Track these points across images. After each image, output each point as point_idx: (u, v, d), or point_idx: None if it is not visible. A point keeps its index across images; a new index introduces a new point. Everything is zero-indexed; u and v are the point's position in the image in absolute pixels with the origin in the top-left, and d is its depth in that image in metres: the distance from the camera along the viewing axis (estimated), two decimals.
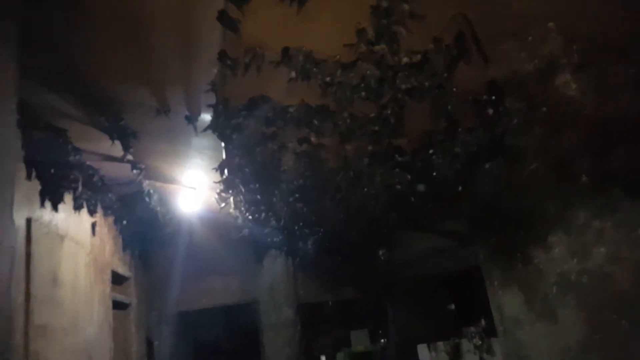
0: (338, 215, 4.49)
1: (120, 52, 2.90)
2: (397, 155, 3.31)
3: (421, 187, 3.43)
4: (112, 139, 3.80)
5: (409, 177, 3.41)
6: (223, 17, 2.40)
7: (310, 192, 4.10)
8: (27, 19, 2.45)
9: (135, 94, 3.37)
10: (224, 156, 4.00)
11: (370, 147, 3.36)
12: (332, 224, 4.75)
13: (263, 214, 4.98)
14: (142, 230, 5.90)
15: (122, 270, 5.69)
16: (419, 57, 2.42)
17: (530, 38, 1.96)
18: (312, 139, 3.43)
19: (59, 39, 2.72)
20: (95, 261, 4.78)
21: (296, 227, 5.11)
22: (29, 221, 3.45)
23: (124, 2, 2.48)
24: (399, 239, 5.10)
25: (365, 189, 3.83)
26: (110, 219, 5.33)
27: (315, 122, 3.17)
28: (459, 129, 2.81)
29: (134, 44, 2.82)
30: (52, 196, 3.84)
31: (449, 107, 2.71)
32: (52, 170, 3.84)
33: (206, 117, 3.50)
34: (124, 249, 5.81)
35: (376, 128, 3.07)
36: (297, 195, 4.22)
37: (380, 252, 5.24)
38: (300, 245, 5.70)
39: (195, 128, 3.58)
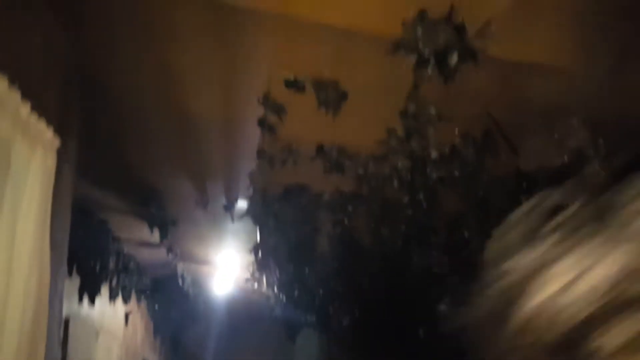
0: (375, 293, 4.47)
1: (165, 145, 3.20)
2: (432, 236, 3.36)
3: (458, 267, 3.42)
4: (151, 228, 4.06)
5: (446, 258, 3.42)
6: (262, 123, 2.68)
7: (345, 275, 4.14)
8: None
9: (177, 186, 3.67)
10: (258, 239, 4.16)
11: (404, 229, 3.44)
12: (369, 302, 4.70)
13: (296, 293, 5.01)
14: (173, 314, 6.00)
15: (151, 357, 5.72)
16: (447, 151, 2.59)
17: (555, 135, 2.11)
18: (346, 222, 3.56)
19: (109, 132, 2.99)
20: (127, 351, 4.87)
21: (330, 306, 5.08)
22: (67, 320, 3.58)
23: (173, 98, 2.71)
24: (441, 314, 4.94)
25: (402, 270, 3.84)
26: (143, 304, 5.49)
27: (349, 207, 3.30)
28: (490, 214, 2.88)
29: (180, 138, 3.12)
30: (90, 290, 4.02)
31: (480, 192, 2.81)
32: (92, 263, 4.07)
33: (243, 204, 3.72)
34: (155, 334, 5.89)
35: (409, 212, 3.16)
36: (331, 275, 4.27)
37: (421, 330, 5.08)
38: (335, 323, 5.61)
39: (232, 217, 3.79)
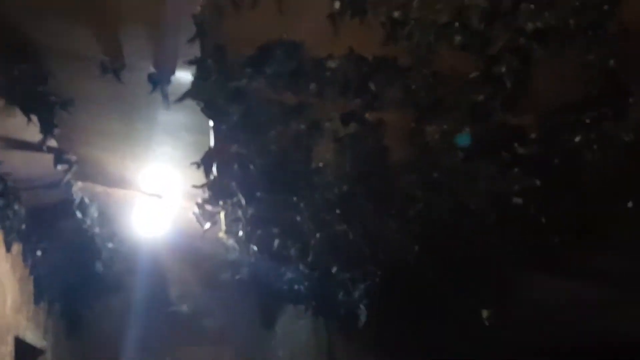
0: (409, 245, 4.64)
1: None
2: (515, 144, 3.41)
3: (558, 201, 3.52)
4: (26, 112, 4.11)
5: (537, 182, 3.48)
6: None
7: (361, 206, 4.26)
8: None
9: (67, 38, 3.65)
10: (212, 143, 4.23)
11: (468, 130, 3.50)
12: (399, 261, 4.90)
13: (276, 242, 5.20)
14: (69, 269, 6.25)
15: (32, 336, 6.06)
16: None
17: None
18: (367, 114, 3.60)
19: None
20: None
21: (335, 267, 5.29)
22: None
23: None
24: (514, 284, 5.16)
25: (459, 202, 3.95)
26: (16, 248, 5.69)
27: (373, 85, 3.32)
28: (629, 100, 2.89)
29: None
30: None
31: (611, 62, 2.80)
32: None
33: (184, 77, 3.73)
34: (37, 300, 6.18)
35: (480, 97, 3.18)
36: (338, 210, 4.40)
37: (483, 311, 5.31)
38: (341, 297, 5.87)
39: (165, 96, 3.81)
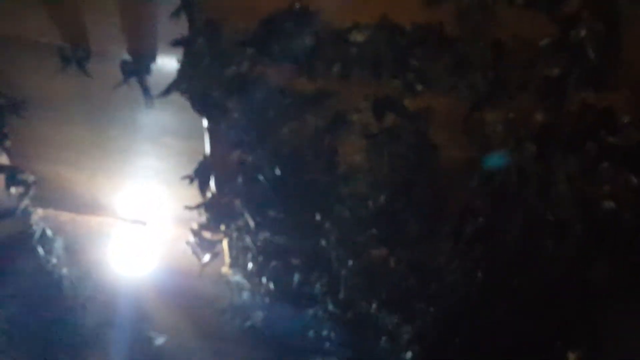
0: (469, 274, 4.58)
1: None
2: (603, 132, 3.37)
3: None
4: None
5: (634, 179, 3.45)
6: None
7: (404, 223, 4.22)
8: None
9: (16, 22, 3.67)
10: (207, 149, 4.22)
11: (540, 116, 3.46)
12: (457, 295, 4.85)
13: (297, 276, 5.17)
14: (31, 322, 6.24)
15: None
16: None
17: None
18: (407, 101, 3.57)
19: None
20: None
21: (373, 306, 5.25)
22: None
23: None
24: (609, 320, 5.09)
25: (533, 213, 3.90)
26: None
27: (414, 61, 3.29)
28: None
29: None
30: None
31: None
32: None
33: (169, 64, 3.73)
34: None
35: (554, 72, 3.16)
36: (374, 230, 4.36)
37: (570, 355, 5.24)
38: (382, 345, 5.83)
39: (145, 90, 3.82)
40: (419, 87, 3.43)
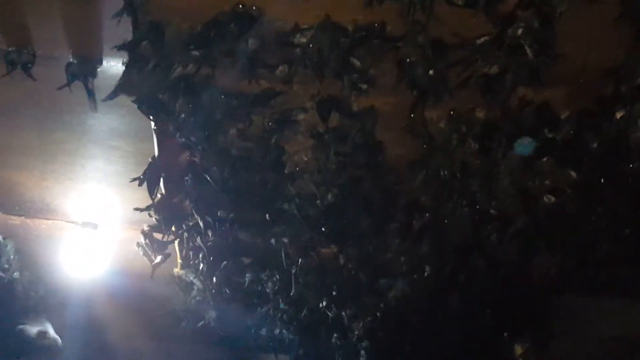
0: (417, 268, 4.60)
1: None
2: (542, 128, 3.44)
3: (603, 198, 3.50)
4: None
5: (574, 174, 3.50)
6: None
7: (352, 221, 4.22)
8: None
9: None
10: (155, 150, 4.18)
11: (481, 113, 3.49)
12: (405, 290, 4.87)
13: (248, 275, 5.13)
14: None
15: None
16: None
17: None
18: (351, 100, 3.57)
19: None
20: None
21: (324, 302, 5.24)
22: None
23: None
24: (554, 313, 5.13)
25: (477, 207, 3.93)
26: None
27: (357, 61, 3.29)
28: None
29: None
30: None
31: None
32: None
33: (114, 67, 3.68)
34: None
35: (493, 69, 3.18)
36: (323, 228, 4.35)
37: (516, 347, 5.28)
38: (334, 341, 5.82)
39: (90, 93, 3.76)
40: (363, 87, 3.41)
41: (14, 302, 6.22)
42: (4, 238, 5.67)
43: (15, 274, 5.91)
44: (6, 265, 5.80)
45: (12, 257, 5.81)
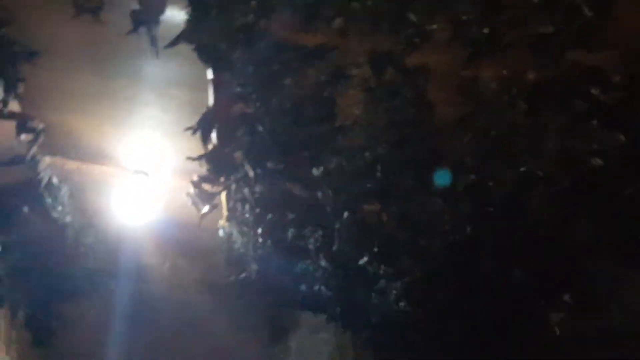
0: (459, 228, 4.60)
1: None
2: (593, 90, 3.41)
3: None
4: None
5: (622, 137, 3.48)
6: None
7: (398, 177, 4.27)
8: None
9: None
10: (210, 101, 4.23)
11: (532, 74, 3.49)
12: (446, 250, 4.86)
13: (291, 231, 5.18)
14: (34, 268, 6.25)
15: None
16: None
17: None
18: (404, 56, 3.60)
19: None
20: None
21: (364, 259, 5.26)
22: None
23: None
24: (596, 281, 5.05)
25: (523, 168, 3.95)
26: None
27: (413, 16, 3.31)
28: None
29: None
30: None
31: None
32: None
33: (176, 16, 3.74)
34: None
35: (547, 29, 3.18)
36: (368, 184, 4.40)
37: (553, 315, 5.23)
38: (372, 300, 5.83)
39: (153, 39, 3.83)
40: (418, 43, 3.44)
41: (64, 246, 6.31)
42: (59, 182, 5.75)
43: (68, 217, 6.00)
44: (60, 209, 5.89)
45: (66, 201, 5.90)
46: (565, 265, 4.75)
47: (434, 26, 3.36)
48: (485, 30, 3.29)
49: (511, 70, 3.53)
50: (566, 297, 5.04)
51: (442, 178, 4.12)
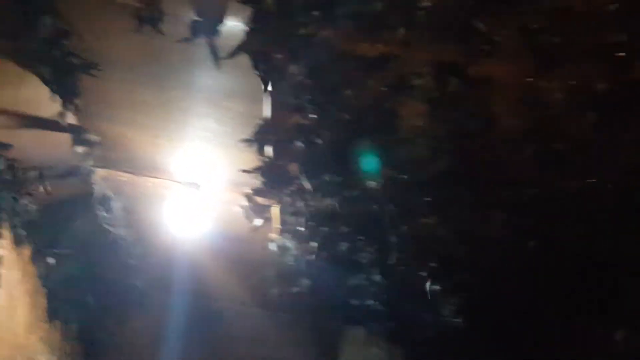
0: (520, 243, 4.53)
1: None
2: None
3: None
4: (46, 82, 4.17)
5: None
6: None
7: (458, 190, 4.21)
8: None
9: None
10: (266, 113, 4.22)
11: (602, 83, 3.43)
12: (506, 266, 4.80)
13: (345, 244, 5.15)
14: (87, 280, 6.29)
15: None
16: None
17: None
18: (469, 67, 3.53)
19: None
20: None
21: (420, 274, 5.20)
22: None
23: None
24: None
25: (590, 182, 3.87)
26: (28, 251, 5.77)
27: (481, 25, 3.26)
28: None
29: None
30: None
31: None
32: None
33: (233, 27, 3.73)
34: (52, 318, 6.24)
35: (620, 38, 3.12)
36: (427, 197, 4.35)
37: (618, 332, 5.14)
38: (427, 316, 5.78)
39: (213, 50, 3.82)
40: (484, 53, 3.37)
41: (116, 259, 6.36)
42: (112, 194, 5.79)
43: (120, 230, 6.03)
44: (113, 222, 5.93)
45: (118, 213, 5.94)
46: (635, 282, 4.66)
47: (501, 36, 3.27)
48: (556, 39, 3.21)
49: (580, 80, 3.44)
50: (632, 313, 4.95)
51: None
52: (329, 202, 4.69)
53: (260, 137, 4.38)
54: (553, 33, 3.20)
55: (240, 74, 4.06)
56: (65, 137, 4.89)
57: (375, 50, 3.58)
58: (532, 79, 3.48)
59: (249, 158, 4.62)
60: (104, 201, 5.79)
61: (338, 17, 3.43)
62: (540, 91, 3.55)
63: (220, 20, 3.76)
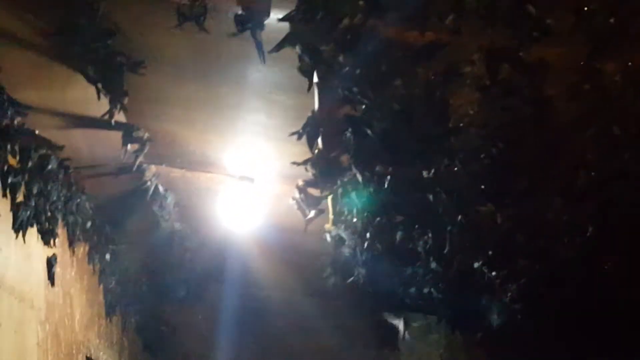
0: (579, 230, 4.44)
1: None
2: None
3: None
4: (92, 82, 4.20)
5: None
6: None
7: (514, 178, 4.11)
8: None
9: None
10: (316, 105, 4.18)
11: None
12: (565, 252, 4.71)
13: (400, 234, 5.10)
14: (144, 275, 6.37)
15: (105, 356, 6.22)
16: None
17: None
18: (522, 52, 3.44)
19: None
20: (57, 337, 5.30)
21: (478, 263, 5.14)
22: None
23: None
24: None
25: None
26: (82, 249, 5.86)
27: (532, 9, 3.14)
28: None
29: None
30: None
31: None
32: None
33: (280, 19, 3.69)
34: (109, 313, 6.35)
35: None
36: (482, 186, 4.27)
37: None
38: (485, 303, 5.72)
39: (258, 44, 3.78)
40: (536, 36, 3.27)
41: (171, 253, 6.42)
42: (165, 190, 5.84)
43: (175, 224, 6.09)
44: (167, 217, 5.98)
45: (172, 209, 5.99)
46: None
47: (554, 18, 3.17)
48: (611, 20, 3.09)
49: (637, 61, 3.32)
50: None
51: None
52: (382, 193, 4.63)
53: (310, 129, 4.33)
54: (608, 14, 3.08)
55: (288, 66, 4.03)
56: (115, 136, 4.92)
57: (424, 39, 3.50)
58: (587, 62, 3.36)
59: (301, 150, 4.58)
60: (158, 197, 5.83)
61: (385, 5, 3.36)
62: (596, 74, 3.44)
63: (266, 12, 3.73)
